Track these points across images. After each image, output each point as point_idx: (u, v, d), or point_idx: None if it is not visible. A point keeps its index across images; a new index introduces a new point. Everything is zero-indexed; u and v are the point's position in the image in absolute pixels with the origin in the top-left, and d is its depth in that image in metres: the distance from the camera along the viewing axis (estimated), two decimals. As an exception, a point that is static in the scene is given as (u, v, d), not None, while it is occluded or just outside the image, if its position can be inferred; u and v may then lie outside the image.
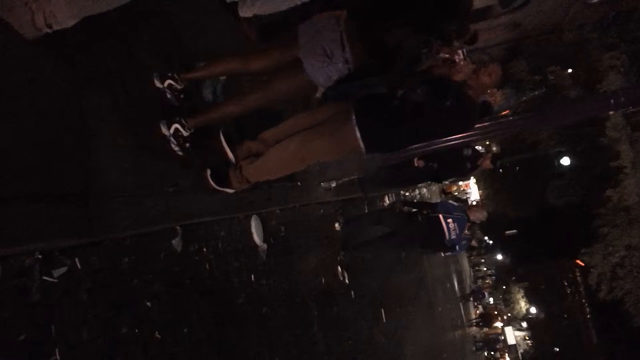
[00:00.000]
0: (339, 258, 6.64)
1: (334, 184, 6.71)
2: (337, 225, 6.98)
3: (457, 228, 7.07)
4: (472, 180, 41.15)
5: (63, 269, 2.24)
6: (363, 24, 3.31)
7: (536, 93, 20.90)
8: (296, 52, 3.35)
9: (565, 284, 43.71)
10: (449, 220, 7.09)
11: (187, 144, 3.37)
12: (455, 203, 7.49)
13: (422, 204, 8.54)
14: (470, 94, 3.65)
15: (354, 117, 3.49)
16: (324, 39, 3.29)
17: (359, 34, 3.28)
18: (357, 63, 3.32)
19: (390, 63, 3.45)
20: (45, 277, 2.15)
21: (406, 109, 3.52)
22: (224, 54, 3.62)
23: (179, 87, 3.37)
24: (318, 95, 3.52)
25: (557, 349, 44.63)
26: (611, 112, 14.96)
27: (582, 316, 41.81)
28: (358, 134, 3.47)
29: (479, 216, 7.40)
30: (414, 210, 7.67)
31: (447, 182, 27.78)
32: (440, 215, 7.14)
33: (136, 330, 2.63)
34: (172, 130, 3.30)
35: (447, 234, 7.04)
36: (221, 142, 3.65)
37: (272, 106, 3.93)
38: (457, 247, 7.40)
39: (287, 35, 3.53)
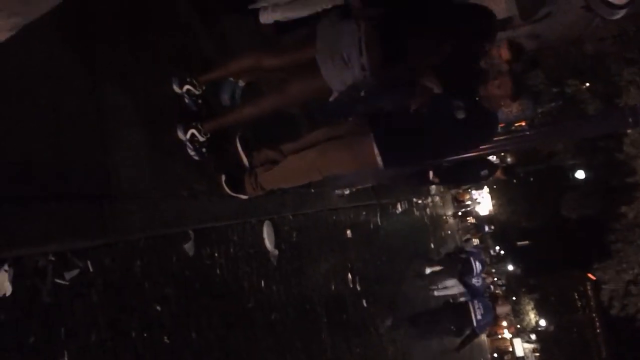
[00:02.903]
0: (349, 264, 6.62)
1: (347, 191, 6.69)
2: (348, 232, 6.96)
3: (481, 308, 8.20)
4: (485, 189, 40.88)
5: (75, 272, 2.24)
6: (387, 30, 3.26)
7: (553, 105, 20.77)
8: (313, 53, 3.28)
9: (576, 297, 43.26)
10: (476, 302, 8.29)
11: (204, 149, 3.37)
12: (479, 266, 8.50)
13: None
14: (486, 106, 3.62)
15: (371, 132, 3.48)
16: (343, 43, 3.21)
17: (380, 41, 3.23)
18: (374, 69, 3.26)
19: (411, 71, 3.41)
20: (57, 280, 2.15)
21: (422, 123, 3.50)
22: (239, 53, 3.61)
23: (197, 92, 3.38)
24: (332, 99, 3.46)
25: (566, 363, 44.20)
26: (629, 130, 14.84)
27: (592, 330, 41.34)
28: (376, 149, 3.46)
29: (505, 310, 9.20)
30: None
31: (460, 191, 27.76)
32: (469, 303, 8.43)
33: (145, 334, 2.63)
34: (188, 135, 3.30)
35: (474, 318, 8.16)
36: (237, 148, 3.65)
37: (289, 109, 3.91)
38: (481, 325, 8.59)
39: (306, 33, 3.48)
